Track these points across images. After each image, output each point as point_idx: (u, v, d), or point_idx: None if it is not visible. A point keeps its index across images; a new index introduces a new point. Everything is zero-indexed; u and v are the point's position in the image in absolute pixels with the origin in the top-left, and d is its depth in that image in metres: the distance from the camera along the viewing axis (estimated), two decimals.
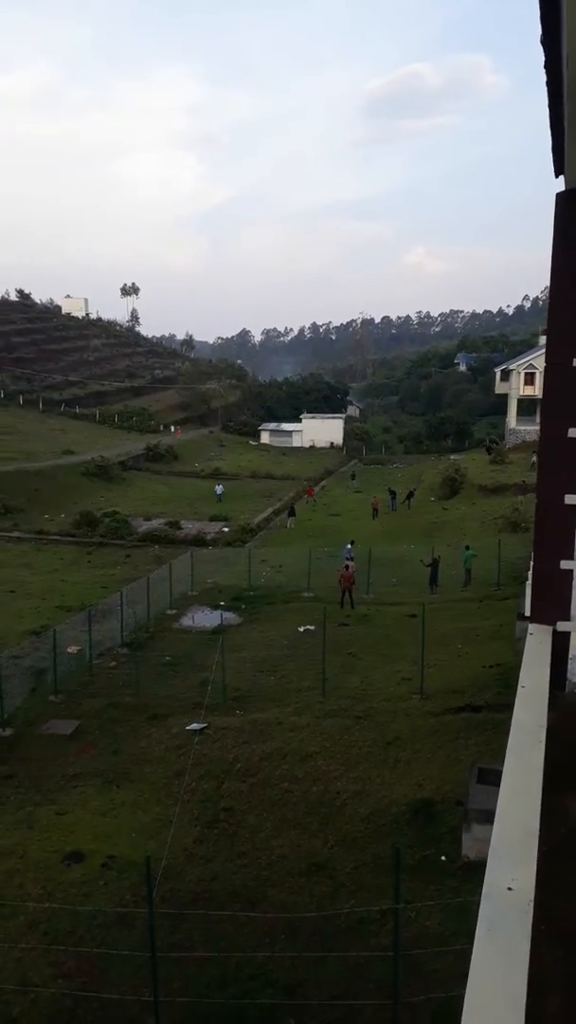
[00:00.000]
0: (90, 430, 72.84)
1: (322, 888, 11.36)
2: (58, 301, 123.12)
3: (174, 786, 14.47)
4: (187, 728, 16.78)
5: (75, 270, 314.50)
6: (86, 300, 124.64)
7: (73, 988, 9.63)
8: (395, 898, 9.08)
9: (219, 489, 52.27)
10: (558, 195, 4.01)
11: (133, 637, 23.89)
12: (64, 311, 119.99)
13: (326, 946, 10.01)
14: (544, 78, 2.84)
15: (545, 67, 2.72)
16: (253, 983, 9.61)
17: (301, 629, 24.33)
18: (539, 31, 2.51)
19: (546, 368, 4.25)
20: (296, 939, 10.26)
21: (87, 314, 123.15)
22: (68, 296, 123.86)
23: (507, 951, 2.12)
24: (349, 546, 32.38)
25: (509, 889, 2.34)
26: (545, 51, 2.59)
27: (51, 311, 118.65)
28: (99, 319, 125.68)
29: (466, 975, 2.07)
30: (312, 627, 23.54)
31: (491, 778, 11.05)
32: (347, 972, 9.60)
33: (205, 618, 26.81)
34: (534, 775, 2.95)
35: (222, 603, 28.23)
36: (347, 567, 28.20)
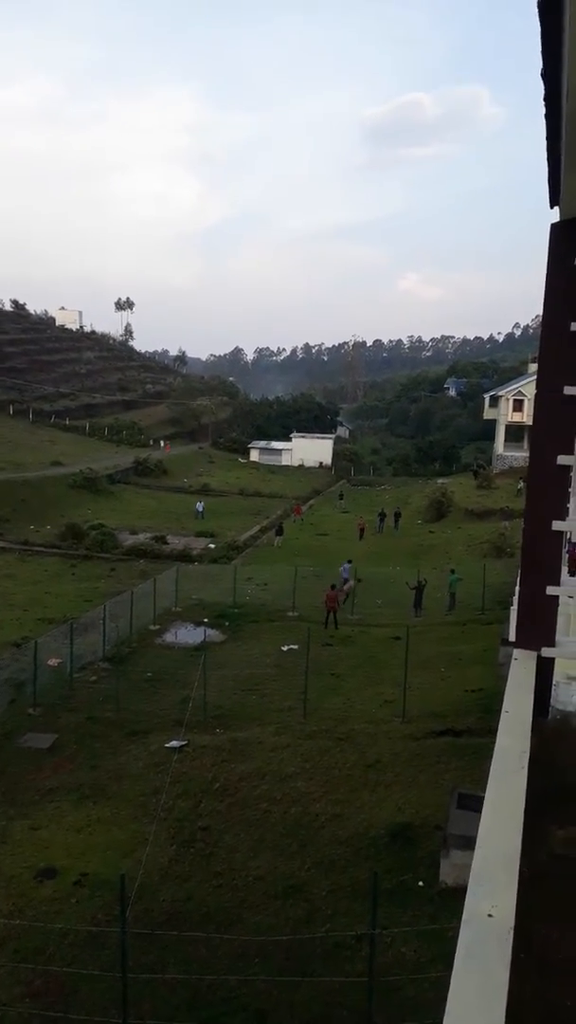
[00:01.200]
0: (79, 442, 72.71)
1: (298, 911, 11.25)
2: (52, 313, 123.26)
3: (151, 804, 14.33)
4: (166, 745, 16.64)
5: (70, 283, 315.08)
6: (80, 313, 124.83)
7: (41, 1008, 9.46)
8: (371, 923, 9.01)
9: (199, 506, 52.07)
10: (553, 225, 4.07)
11: (115, 652, 23.72)
12: (58, 323, 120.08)
13: (300, 970, 9.90)
14: (543, 111, 2.89)
15: (545, 100, 2.76)
16: (224, 1007, 9.48)
17: (285, 648, 24.25)
18: (540, 65, 2.55)
19: (537, 395, 4.29)
20: (270, 963, 10.14)
21: (81, 327, 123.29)
22: (63, 308, 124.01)
23: (486, 979, 2.10)
24: (347, 565, 32.33)
25: (489, 916, 2.33)
26: (545, 84, 2.63)
27: (45, 323, 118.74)
28: (93, 332, 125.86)
29: (441, 1002, 2.05)
30: (296, 646, 23.46)
31: (471, 803, 11.01)
32: (321, 997, 9.49)
33: (188, 634, 26.66)
34: (516, 801, 2.94)
35: (206, 620, 28.10)
36: (333, 587, 28.17)
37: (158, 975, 9.90)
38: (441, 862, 11.42)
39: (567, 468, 4.06)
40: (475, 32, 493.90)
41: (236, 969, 10.01)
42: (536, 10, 2.19)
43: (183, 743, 16.66)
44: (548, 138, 3.00)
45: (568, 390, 4.07)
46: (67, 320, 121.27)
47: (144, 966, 9.96)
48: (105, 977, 9.74)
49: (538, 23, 2.23)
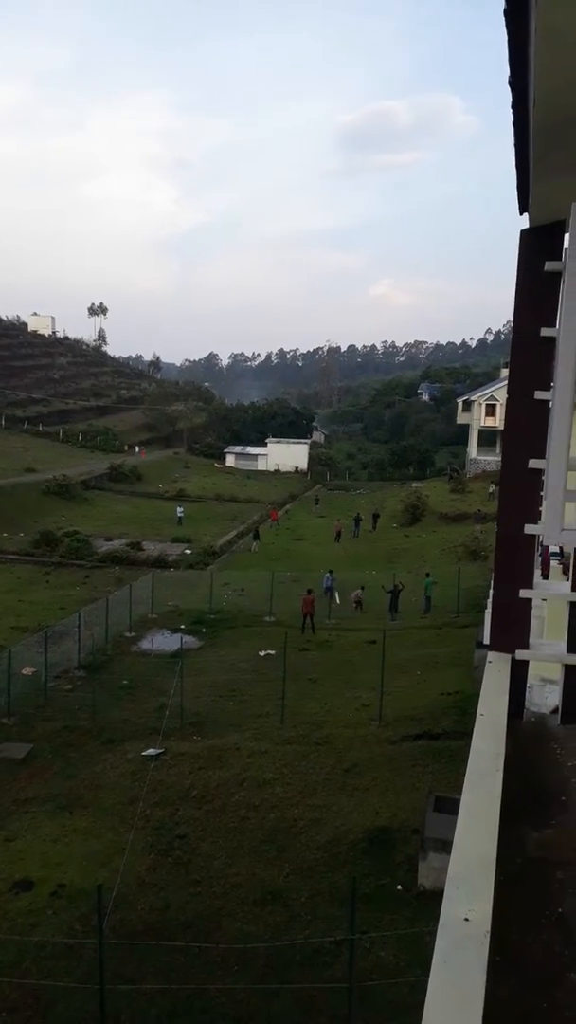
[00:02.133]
0: (53, 448, 72.11)
1: (277, 918, 11.21)
2: (24, 318, 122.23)
3: (128, 812, 14.21)
4: (143, 753, 16.52)
5: (43, 288, 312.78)
6: (53, 318, 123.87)
7: (17, 1022, 9.32)
8: (350, 929, 9.00)
9: (180, 511, 51.87)
10: (522, 232, 4.11)
11: (90, 660, 23.52)
12: (30, 328, 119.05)
13: (280, 977, 9.86)
14: (511, 119, 2.91)
15: (512, 108, 2.78)
16: (204, 1016, 9.41)
17: (262, 654, 24.21)
18: (507, 73, 2.57)
19: (508, 400, 4.32)
20: (249, 970, 10.09)
21: (54, 332, 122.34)
22: (35, 314, 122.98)
23: (462, 983, 2.10)
24: (329, 575, 32.29)
25: (466, 920, 2.33)
26: (512, 92, 2.65)
27: (17, 328, 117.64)
28: (66, 338, 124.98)
29: (420, 1006, 2.05)
30: (273, 652, 23.43)
31: (448, 806, 11.05)
32: (301, 1004, 9.45)
33: (165, 641, 26.53)
34: (492, 804, 2.94)
35: (182, 626, 27.98)
36: (309, 591, 28.18)
37: (136, 986, 9.80)
38: (419, 865, 11.44)
39: (539, 472, 4.09)
40: (447, 41, 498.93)
41: (215, 978, 9.95)
42: (502, 18, 2.20)
43: (160, 751, 16.55)
44: (516, 146, 3.02)
45: (539, 395, 4.11)
46: (40, 326, 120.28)
47: (122, 977, 9.86)
48: (82, 989, 9.63)
49: (504, 31, 2.25)
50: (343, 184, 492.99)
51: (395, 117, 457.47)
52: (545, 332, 4.06)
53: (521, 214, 4.03)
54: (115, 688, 21.31)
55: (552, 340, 3.89)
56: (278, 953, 10.31)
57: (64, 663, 22.78)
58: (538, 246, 4.05)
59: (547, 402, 4.00)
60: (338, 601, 30.85)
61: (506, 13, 2.13)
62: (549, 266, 4.01)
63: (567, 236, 2.85)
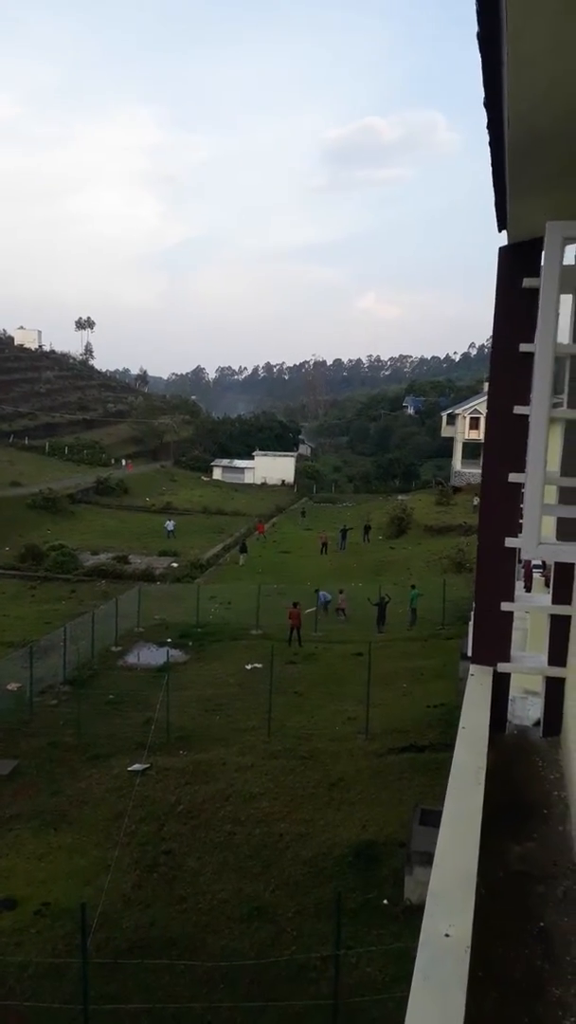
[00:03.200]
0: (39, 462, 71.82)
1: (263, 934, 11.12)
2: (11, 332, 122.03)
3: (113, 829, 14.09)
4: (129, 769, 16.40)
5: (30, 302, 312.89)
6: (39, 332, 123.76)
7: None
8: (335, 945, 8.95)
9: (170, 525, 51.65)
10: (500, 249, 4.16)
11: (76, 674, 23.36)
12: (17, 342, 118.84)
13: (266, 994, 9.79)
14: (487, 138, 2.96)
15: (488, 128, 2.83)
16: None
17: (248, 667, 24.13)
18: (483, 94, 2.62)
19: (488, 415, 4.36)
20: (235, 988, 10.01)
21: (40, 346, 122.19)
22: (21, 328, 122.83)
23: (443, 1000, 2.09)
24: (325, 593, 32.15)
25: (446, 936, 2.32)
26: (488, 113, 2.70)
27: (3, 342, 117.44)
28: (52, 351, 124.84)
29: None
30: (260, 665, 23.35)
31: (434, 820, 11.01)
32: (286, 1022, 9.38)
33: (151, 655, 26.39)
34: (473, 818, 2.95)
35: (169, 640, 27.86)
36: (295, 604, 28.12)
37: (121, 1005, 9.69)
38: (405, 879, 11.40)
39: (519, 485, 4.12)
40: (431, 59, 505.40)
41: (200, 996, 9.86)
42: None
43: (146, 766, 16.43)
44: (493, 164, 3.07)
45: (518, 409, 4.15)
46: (26, 339, 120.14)
47: (107, 996, 9.76)
48: (67, 1010, 9.53)
49: (478, 53, 2.29)
50: (329, 199, 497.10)
51: (380, 133, 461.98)
52: (524, 348, 4.11)
53: (500, 231, 4.09)
54: (101, 703, 21.16)
55: (531, 355, 3.93)
56: (264, 970, 10.23)
57: (49, 678, 22.61)
58: (516, 263, 4.11)
59: (526, 416, 4.04)
60: (326, 613, 30.80)
61: (479, 38, 2.18)
62: (527, 282, 4.06)
63: (543, 254, 2.89)
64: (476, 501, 50.91)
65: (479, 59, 2.41)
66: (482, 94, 2.74)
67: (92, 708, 20.43)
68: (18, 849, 13.73)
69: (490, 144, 3.00)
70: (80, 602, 32.90)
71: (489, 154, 3.12)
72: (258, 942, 10.95)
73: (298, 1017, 9.43)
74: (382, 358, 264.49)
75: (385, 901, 11.47)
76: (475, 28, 2.23)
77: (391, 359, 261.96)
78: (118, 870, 12.69)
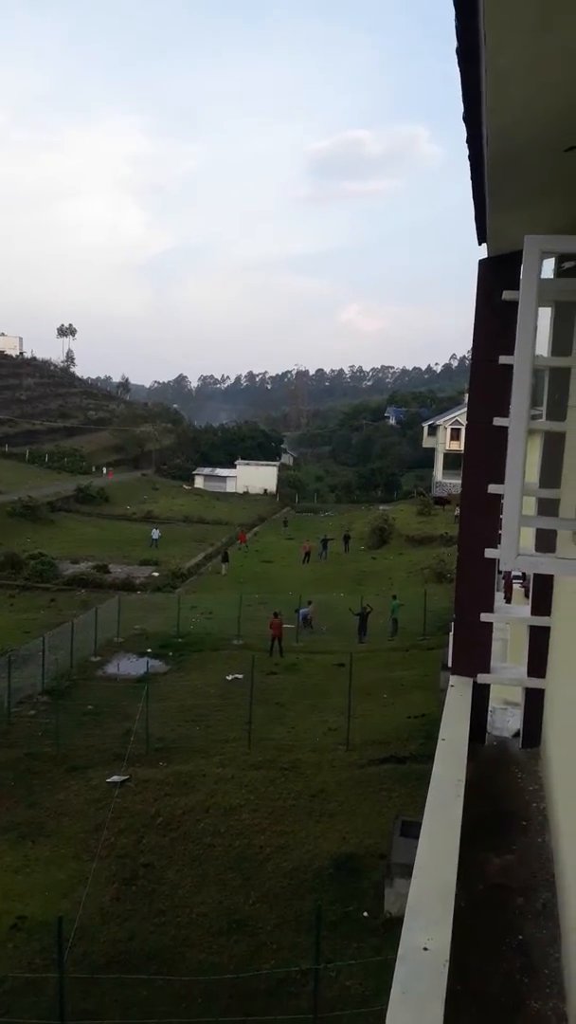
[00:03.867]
0: (19, 469, 71.32)
1: (242, 948, 11.03)
2: None
3: (92, 841, 13.94)
4: (108, 780, 16.24)
5: (11, 309, 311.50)
6: (20, 339, 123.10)
7: None
8: (315, 958, 8.89)
9: (155, 534, 51.45)
10: (480, 262, 4.19)
11: (54, 684, 23.13)
12: None
13: (245, 1009, 9.70)
14: (467, 153, 2.98)
15: (468, 143, 2.85)
16: None
17: (229, 678, 24.02)
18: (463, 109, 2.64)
19: (468, 426, 4.38)
20: (214, 1002, 9.91)
21: (21, 353, 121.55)
22: (2, 334, 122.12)
23: (421, 1015, 2.08)
24: (304, 610, 31.63)
25: (425, 949, 2.31)
26: (468, 127, 2.71)
27: None
28: (33, 358, 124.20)
29: None
30: (240, 676, 23.26)
31: (414, 831, 10.97)
32: None
33: (131, 666, 26.19)
34: (452, 831, 2.94)
35: (149, 650, 27.67)
36: (276, 615, 28.03)
37: (98, 1021, 9.56)
38: (385, 891, 11.35)
39: (498, 497, 4.14)
40: (415, 73, 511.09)
41: (179, 1011, 9.74)
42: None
43: (125, 778, 16.28)
44: (473, 178, 3.09)
45: (498, 421, 4.17)
46: (7, 346, 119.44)
47: (84, 1012, 9.63)
48: None
49: (457, 69, 2.30)
50: (313, 210, 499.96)
51: (364, 145, 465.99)
52: (503, 359, 4.14)
53: (480, 244, 4.12)
54: (80, 714, 20.97)
55: (510, 367, 3.95)
56: (243, 984, 10.14)
57: (27, 688, 22.38)
58: (496, 276, 4.14)
59: (506, 428, 4.06)
60: (305, 629, 30.56)
61: (458, 53, 2.19)
62: (507, 295, 4.09)
63: (522, 267, 2.91)
64: (456, 512, 51.03)
65: (459, 75, 2.43)
66: (463, 111, 2.77)
67: (70, 719, 20.24)
68: None
69: (470, 158, 3.02)
70: (59, 611, 32.63)
71: (469, 168, 3.15)
72: (237, 956, 10.85)
73: None
74: (364, 369, 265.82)
75: (365, 913, 11.42)
76: (455, 43, 2.25)
77: (373, 370, 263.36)
78: (96, 883, 12.55)
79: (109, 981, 10.20)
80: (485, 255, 4.16)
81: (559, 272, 3.75)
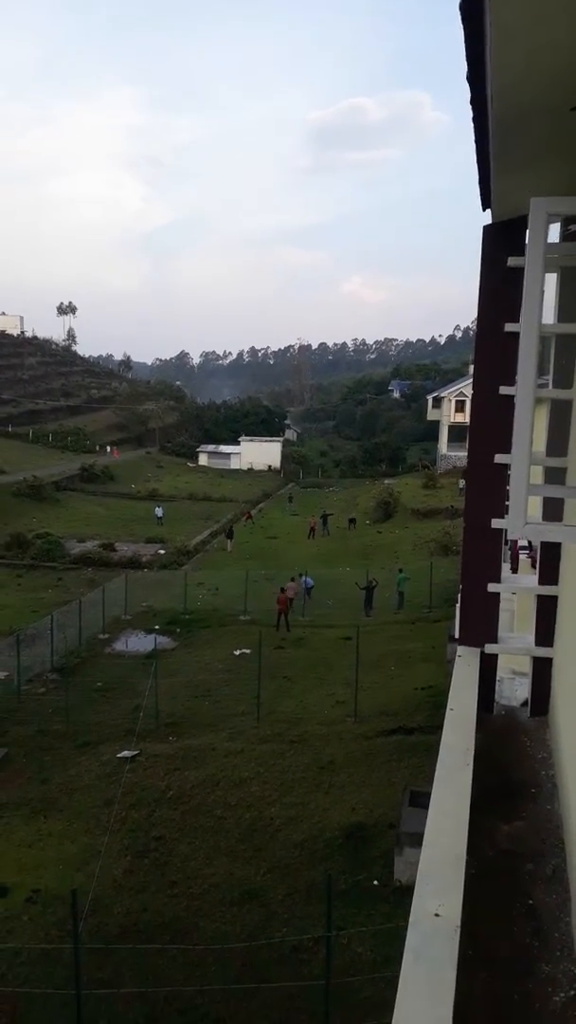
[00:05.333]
0: (23, 449, 71.30)
1: (254, 917, 11.19)
2: None
3: (103, 815, 14.11)
4: (118, 755, 16.41)
5: (11, 288, 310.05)
6: (21, 318, 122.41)
7: None
8: (327, 926, 9.01)
9: (159, 511, 51.53)
10: (485, 228, 4.13)
11: (64, 662, 23.32)
12: None
13: (258, 977, 9.85)
14: (471, 115, 2.92)
15: (472, 104, 2.79)
16: (182, 1018, 9.38)
17: (237, 653, 24.16)
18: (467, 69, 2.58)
19: (474, 395, 4.34)
20: (227, 971, 10.07)
21: (22, 332, 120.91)
22: (3, 314, 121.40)
23: (433, 979, 2.10)
24: (308, 579, 31.80)
25: (436, 915, 2.33)
26: (471, 88, 2.66)
27: None
28: (35, 337, 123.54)
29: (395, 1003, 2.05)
30: (248, 651, 23.39)
31: (423, 801, 11.09)
32: (279, 1003, 9.45)
33: (139, 642, 26.37)
34: (462, 798, 2.95)
35: (157, 627, 27.83)
36: (283, 589, 28.13)
37: (114, 990, 9.73)
38: (395, 860, 11.49)
39: (505, 467, 4.11)
40: (416, 37, 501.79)
41: (193, 979, 9.91)
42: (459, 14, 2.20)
43: (135, 753, 16.45)
44: (476, 141, 3.03)
45: (504, 390, 4.13)
46: (7, 326, 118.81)
47: (99, 981, 9.79)
48: (59, 995, 9.55)
49: (460, 27, 2.25)
50: (314, 181, 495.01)
51: (366, 113, 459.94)
52: (509, 327, 4.09)
53: (484, 210, 4.05)
54: (89, 690, 21.15)
55: (516, 335, 3.91)
56: (255, 952, 10.30)
57: (37, 666, 22.56)
58: (501, 242, 4.08)
59: (512, 397, 4.03)
60: (308, 599, 30.62)
61: (462, 10, 2.13)
62: (512, 261, 4.03)
63: (528, 231, 2.86)
64: (462, 484, 51.10)
65: (462, 33, 2.37)
66: (466, 70, 2.71)
67: (80, 696, 20.42)
68: (8, 837, 13.73)
69: (474, 120, 2.96)
70: (67, 590, 32.79)
71: (473, 131, 3.09)
72: (250, 925, 11.02)
73: (290, 998, 9.51)
74: (367, 342, 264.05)
75: (375, 882, 11.56)
76: (457, 1, 2.19)
77: (376, 343, 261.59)
78: (108, 856, 12.72)
79: (124, 951, 10.37)
80: (489, 221, 4.09)
81: (565, 236, 3.69)
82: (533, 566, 5.38)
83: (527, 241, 2.68)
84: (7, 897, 11.94)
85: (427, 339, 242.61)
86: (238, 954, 10.28)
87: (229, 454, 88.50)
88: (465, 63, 2.58)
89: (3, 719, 19.03)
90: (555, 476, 4.15)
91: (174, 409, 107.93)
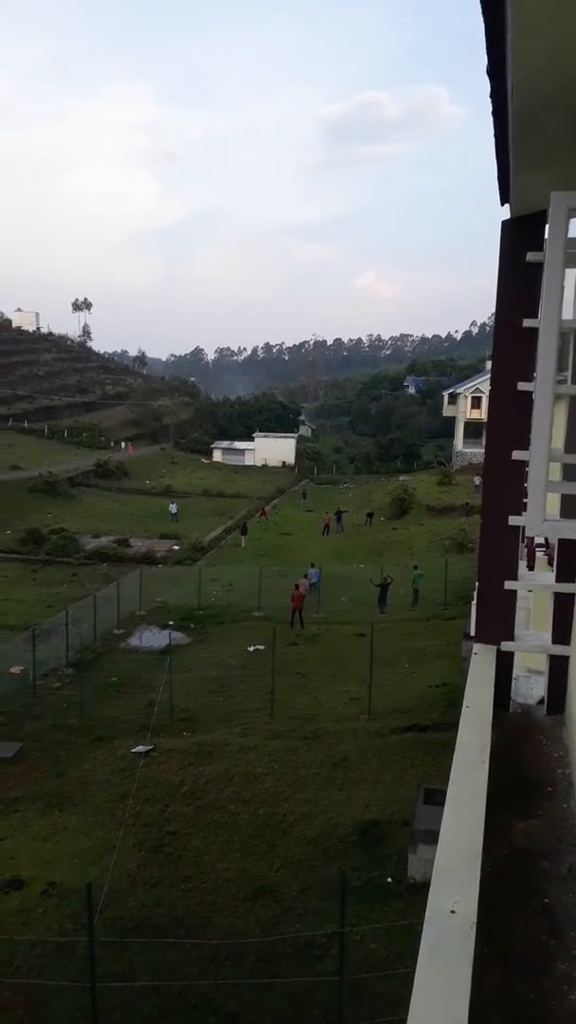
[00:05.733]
0: (38, 445, 71.69)
1: (268, 912, 11.22)
2: (8, 315, 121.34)
3: (118, 810, 14.18)
4: (133, 750, 16.49)
5: (27, 284, 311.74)
6: (37, 314, 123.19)
7: (9, 1021, 9.30)
8: (340, 922, 9.02)
9: (173, 508, 51.64)
10: (503, 223, 4.10)
11: (79, 657, 23.43)
12: (14, 325, 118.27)
13: (271, 972, 9.88)
14: (491, 108, 2.90)
15: (491, 97, 2.77)
16: (196, 1012, 9.42)
17: (251, 649, 24.20)
18: (487, 62, 2.56)
19: (491, 392, 4.32)
20: (241, 965, 10.10)
21: (38, 328, 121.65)
22: (19, 310, 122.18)
23: (449, 975, 2.10)
24: (315, 571, 31.71)
25: (452, 912, 2.32)
26: (491, 81, 2.64)
27: (1, 325, 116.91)
28: (50, 334, 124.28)
29: (410, 1000, 2.05)
30: (262, 647, 23.42)
31: (437, 798, 11.08)
32: (292, 998, 9.47)
33: (153, 638, 26.47)
34: (477, 796, 2.94)
35: (171, 622, 27.92)
36: (297, 586, 28.14)
37: (128, 983, 9.79)
38: (409, 857, 11.48)
39: (522, 463, 4.09)
40: (434, 31, 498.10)
41: (207, 973, 9.95)
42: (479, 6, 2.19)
43: (150, 748, 16.52)
44: (496, 135, 3.01)
45: (522, 386, 4.10)
46: (24, 322, 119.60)
47: (114, 974, 9.85)
48: (74, 988, 9.62)
49: (481, 20, 2.23)
50: (329, 176, 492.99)
51: (381, 108, 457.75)
52: (528, 323, 4.06)
53: (503, 205, 4.03)
54: (104, 685, 21.25)
55: (535, 331, 3.88)
56: (269, 947, 10.33)
57: (52, 661, 22.70)
58: (520, 237, 4.05)
59: (530, 393, 4.00)
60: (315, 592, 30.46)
61: (482, 2, 2.12)
62: (531, 256, 4.00)
63: (548, 226, 2.84)
64: (477, 480, 50.91)
65: (482, 26, 2.35)
66: (485, 64, 2.69)
67: (95, 690, 20.53)
68: (24, 830, 13.83)
69: (493, 114, 2.94)
70: (81, 585, 32.96)
71: (492, 125, 3.07)
72: (263, 920, 11.05)
73: (304, 994, 9.53)
74: (383, 337, 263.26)
75: (389, 879, 11.56)
76: None
77: (392, 338, 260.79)
78: (123, 850, 12.79)
79: (138, 944, 10.42)
80: (508, 216, 4.06)
81: None
82: (550, 563, 5.35)
83: (547, 236, 2.66)
84: (23, 890, 12.03)
85: (443, 335, 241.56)
86: (251, 949, 10.31)
87: (243, 450, 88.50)
88: (485, 56, 2.57)
89: (19, 713, 19.17)
90: (573, 472, 4.12)
91: (188, 405, 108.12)
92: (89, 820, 14.12)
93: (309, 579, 30.71)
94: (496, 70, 2.49)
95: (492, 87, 2.65)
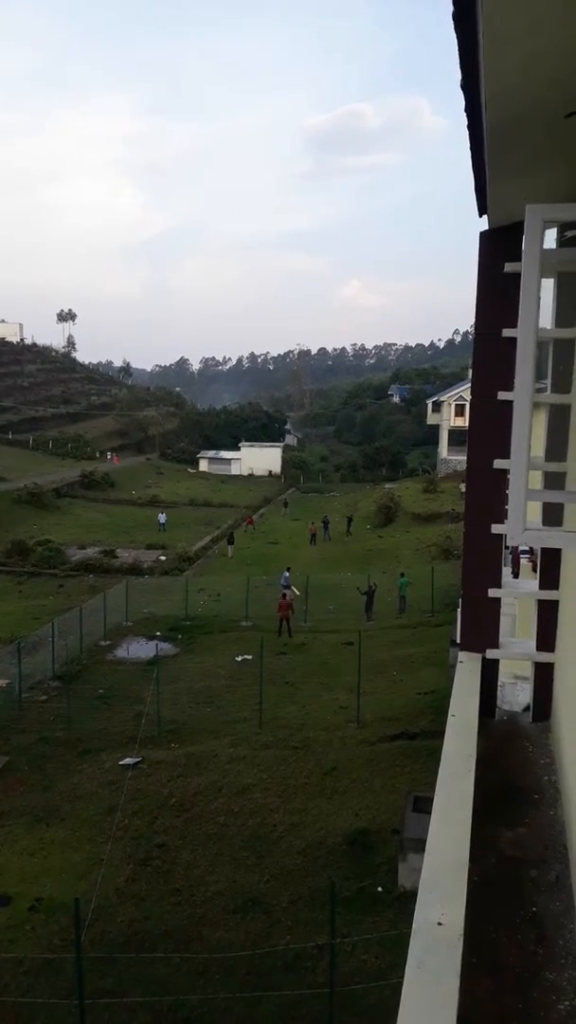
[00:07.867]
0: (23, 456, 71.30)
1: (258, 925, 11.15)
2: None
3: (106, 823, 14.08)
4: (120, 763, 16.38)
5: (10, 295, 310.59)
6: (21, 325, 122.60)
7: None
8: (331, 934, 8.98)
9: (162, 518, 51.48)
10: (481, 234, 4.14)
11: (65, 670, 23.28)
12: None
13: (262, 985, 9.81)
14: (466, 122, 2.92)
15: (466, 111, 2.80)
16: None
17: (239, 659, 24.13)
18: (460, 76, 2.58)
19: (472, 401, 4.35)
20: (231, 979, 10.03)
21: (22, 339, 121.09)
22: (3, 321, 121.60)
23: (437, 987, 2.09)
24: (286, 573, 32.21)
25: (439, 924, 2.32)
26: (465, 95, 2.66)
27: None
28: (34, 344, 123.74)
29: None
30: (250, 656, 23.36)
31: (426, 806, 11.06)
32: (283, 1011, 9.41)
33: (140, 649, 26.32)
34: (464, 805, 2.94)
35: (158, 633, 27.79)
36: (284, 595, 28.12)
37: (117, 999, 9.70)
38: (399, 866, 11.45)
39: (504, 472, 4.11)
40: (415, 43, 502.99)
41: (197, 987, 9.87)
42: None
43: (137, 760, 16.42)
44: (472, 148, 3.03)
45: (502, 395, 4.13)
46: (7, 333, 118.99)
47: (102, 991, 9.75)
48: (63, 1005, 9.52)
49: (454, 33, 2.25)
50: (312, 186, 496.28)
51: (364, 119, 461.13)
52: (507, 332, 4.09)
53: (480, 216, 4.06)
54: (91, 698, 21.11)
55: (514, 341, 3.91)
56: (259, 960, 10.26)
57: (38, 674, 22.53)
58: (497, 248, 4.09)
59: (510, 402, 4.02)
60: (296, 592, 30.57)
61: (454, 17, 2.14)
62: (509, 267, 4.04)
63: (524, 238, 2.86)
64: (463, 488, 51.03)
65: (455, 40, 2.37)
66: (460, 77, 2.71)
67: (82, 703, 20.39)
68: (10, 845, 13.69)
69: (469, 127, 2.96)
70: (68, 597, 32.76)
71: (468, 138, 3.09)
72: (253, 932, 10.98)
73: (294, 1006, 9.47)
74: (367, 346, 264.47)
75: (379, 888, 11.53)
76: (450, 7, 2.19)
77: (376, 347, 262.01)
78: (111, 864, 12.69)
79: (127, 960, 10.33)
80: (486, 227, 4.10)
81: (561, 242, 3.70)
82: (534, 570, 5.38)
83: (523, 248, 2.68)
84: (10, 906, 11.90)
85: (426, 343, 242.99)
86: (242, 962, 10.24)
87: (230, 460, 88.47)
88: (459, 70, 2.59)
89: (5, 727, 19.00)
90: (554, 481, 4.15)
91: (174, 415, 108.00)
92: (77, 834, 14.00)
93: (280, 583, 30.70)
94: (470, 84, 2.51)
95: (467, 101, 2.67)
